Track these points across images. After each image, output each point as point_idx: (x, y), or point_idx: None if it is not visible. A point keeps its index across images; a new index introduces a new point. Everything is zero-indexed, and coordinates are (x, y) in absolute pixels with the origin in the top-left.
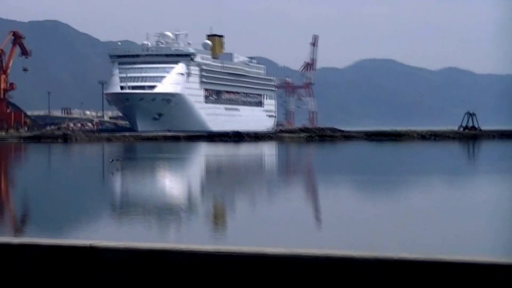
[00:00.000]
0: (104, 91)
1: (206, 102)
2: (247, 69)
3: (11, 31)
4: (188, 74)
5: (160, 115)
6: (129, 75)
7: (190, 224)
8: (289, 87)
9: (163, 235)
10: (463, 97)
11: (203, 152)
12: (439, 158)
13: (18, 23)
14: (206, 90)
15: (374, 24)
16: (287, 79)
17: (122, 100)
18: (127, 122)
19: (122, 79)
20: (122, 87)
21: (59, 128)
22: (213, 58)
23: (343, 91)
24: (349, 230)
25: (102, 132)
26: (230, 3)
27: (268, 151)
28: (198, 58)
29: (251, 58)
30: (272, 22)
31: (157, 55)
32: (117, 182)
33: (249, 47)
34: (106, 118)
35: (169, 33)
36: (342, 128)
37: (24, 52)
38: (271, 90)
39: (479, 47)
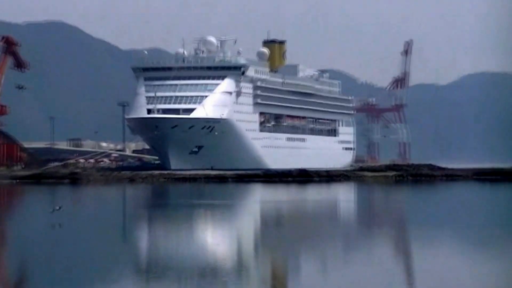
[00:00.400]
0: (126, 116)
1: (261, 130)
2: (317, 86)
3: (1, 36)
4: (238, 93)
5: (200, 147)
6: (158, 94)
7: None
8: (372, 110)
9: None
10: None
11: (258, 198)
12: None
13: (12, 26)
14: (261, 114)
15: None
16: (370, 99)
17: (149, 128)
18: (156, 157)
19: (149, 100)
20: (149, 111)
21: (65, 165)
22: (271, 71)
23: (445, 115)
24: None
25: (123, 171)
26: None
27: (345, 196)
28: (251, 72)
29: (321, 71)
30: (348, 24)
31: (196, 67)
32: (143, 238)
33: (318, 57)
34: (128, 152)
35: (212, 39)
36: (443, 165)
37: (20, 64)
38: (349, 114)
39: None
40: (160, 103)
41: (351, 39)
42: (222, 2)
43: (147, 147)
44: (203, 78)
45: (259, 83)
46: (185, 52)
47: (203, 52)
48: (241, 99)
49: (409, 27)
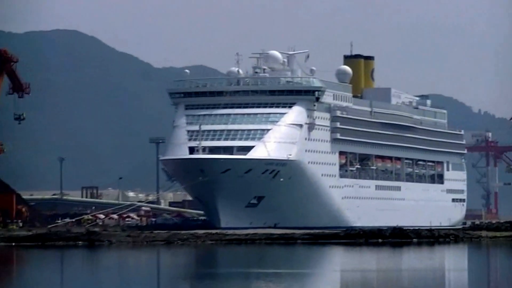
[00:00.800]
0: (161, 157)
1: (342, 175)
2: (417, 117)
3: None
4: (311, 126)
5: (260, 199)
6: (204, 127)
7: None
8: (491, 149)
9: None
10: None
11: (338, 265)
12: None
13: (11, 36)
14: (342, 154)
15: None
16: (487, 133)
17: (192, 173)
18: (201, 212)
19: (192, 135)
20: (192, 149)
21: (79, 223)
22: (355, 97)
23: None
24: None
25: (157, 230)
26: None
27: (455, 264)
28: (328, 97)
29: (422, 96)
30: (454, 36)
31: (255, 91)
32: None
33: (415, 78)
34: (163, 204)
35: (276, 53)
36: None
37: (18, 87)
38: (459, 153)
39: None
40: (206, 139)
41: (460, 55)
42: (287, 4)
43: (189, 198)
44: (265, 105)
45: (339, 113)
46: (240, 71)
47: (264, 71)
48: (315, 133)
49: None
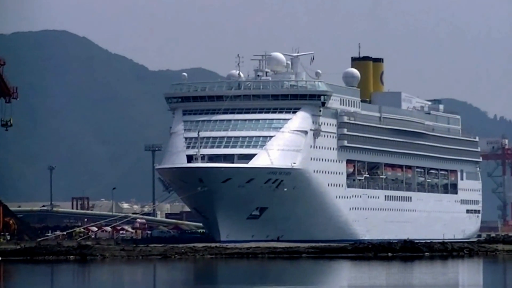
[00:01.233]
0: (157, 165)
1: (350, 185)
2: (429, 123)
3: None
4: (317, 132)
5: (262, 210)
6: (203, 134)
7: None
8: (507, 157)
9: None
10: None
11: (345, 281)
12: None
13: None
14: (350, 162)
15: None
16: (503, 140)
17: (191, 182)
18: (200, 224)
19: (190, 142)
20: (190, 158)
21: (70, 236)
22: (364, 101)
23: None
24: None
25: (153, 243)
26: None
27: (469, 279)
28: (335, 102)
29: (434, 101)
30: (469, 37)
31: (257, 96)
32: None
33: (426, 82)
34: (160, 216)
35: (279, 55)
36: None
37: (5, 92)
38: (474, 161)
39: None
40: (205, 147)
41: (475, 57)
42: (290, 3)
43: (186, 209)
44: (267, 111)
45: (346, 119)
46: (242, 74)
47: (266, 74)
48: (320, 140)
49: None
